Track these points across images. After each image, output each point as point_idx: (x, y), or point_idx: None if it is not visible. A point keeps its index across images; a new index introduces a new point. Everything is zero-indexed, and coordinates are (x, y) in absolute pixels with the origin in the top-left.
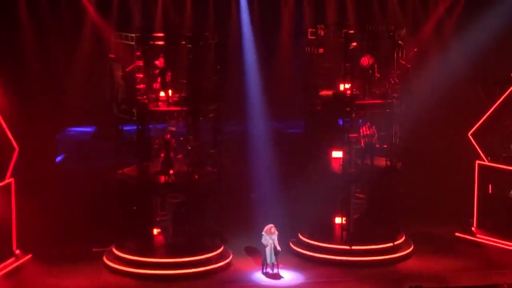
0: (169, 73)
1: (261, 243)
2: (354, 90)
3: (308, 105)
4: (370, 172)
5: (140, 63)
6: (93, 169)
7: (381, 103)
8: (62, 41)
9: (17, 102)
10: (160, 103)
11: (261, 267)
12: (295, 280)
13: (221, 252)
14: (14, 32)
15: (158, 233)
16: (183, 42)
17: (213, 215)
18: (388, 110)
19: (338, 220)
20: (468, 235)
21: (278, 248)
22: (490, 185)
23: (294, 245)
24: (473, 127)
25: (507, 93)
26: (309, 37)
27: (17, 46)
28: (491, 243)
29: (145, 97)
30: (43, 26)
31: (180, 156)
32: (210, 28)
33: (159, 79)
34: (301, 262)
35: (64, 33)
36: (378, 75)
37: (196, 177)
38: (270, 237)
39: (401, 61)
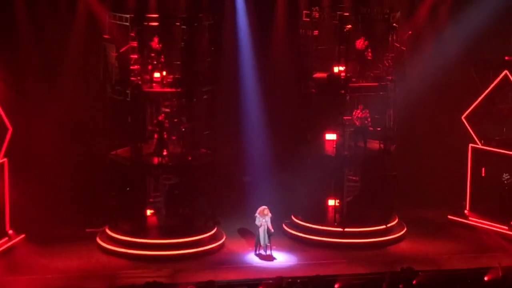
0: (163, 54)
1: (254, 224)
2: (348, 72)
3: (302, 87)
4: (363, 154)
5: (134, 44)
6: (87, 149)
7: (375, 86)
8: (56, 21)
9: (11, 82)
10: (154, 84)
11: (254, 249)
12: (288, 262)
13: (214, 233)
14: (7, 12)
15: (151, 214)
16: (178, 24)
17: (206, 197)
18: (382, 93)
19: (331, 202)
20: (461, 218)
21: (272, 229)
22: (483, 168)
23: (287, 227)
24: (466, 111)
25: (500, 76)
26: (304, 19)
27: (10, 27)
28: (483, 226)
29: (139, 78)
30: (37, 6)
31: (174, 137)
32: (205, 10)
33: (153, 60)
34: (294, 244)
35: (58, 13)
36: (372, 58)
37: (190, 158)
38: (263, 219)
39: (395, 44)
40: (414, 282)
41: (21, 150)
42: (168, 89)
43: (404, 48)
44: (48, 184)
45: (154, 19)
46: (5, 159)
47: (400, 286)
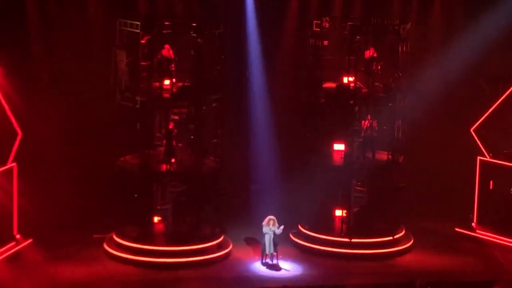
0: (173, 62)
1: (261, 233)
2: (358, 83)
3: (311, 97)
4: (371, 165)
5: (145, 50)
6: (96, 155)
7: (384, 96)
8: (67, 26)
9: (21, 87)
10: (163, 92)
11: (260, 258)
12: (294, 271)
13: (220, 241)
14: (18, 17)
15: (159, 221)
16: (188, 32)
17: (214, 205)
18: (391, 104)
19: (338, 212)
20: (468, 231)
21: (278, 239)
22: (491, 181)
23: (294, 237)
24: (475, 123)
25: (510, 89)
26: (314, 28)
27: (20, 31)
28: (491, 239)
29: (148, 85)
30: (48, 10)
31: (180, 144)
32: (215, 18)
33: (163, 68)
34: (300, 254)
35: (69, 18)
36: (382, 69)
37: (198, 166)
38: (270, 228)
39: (405, 55)
40: None
41: (30, 155)
42: (178, 97)
43: (414, 59)
44: (56, 190)
45: (165, 27)
46: (14, 164)
47: None
